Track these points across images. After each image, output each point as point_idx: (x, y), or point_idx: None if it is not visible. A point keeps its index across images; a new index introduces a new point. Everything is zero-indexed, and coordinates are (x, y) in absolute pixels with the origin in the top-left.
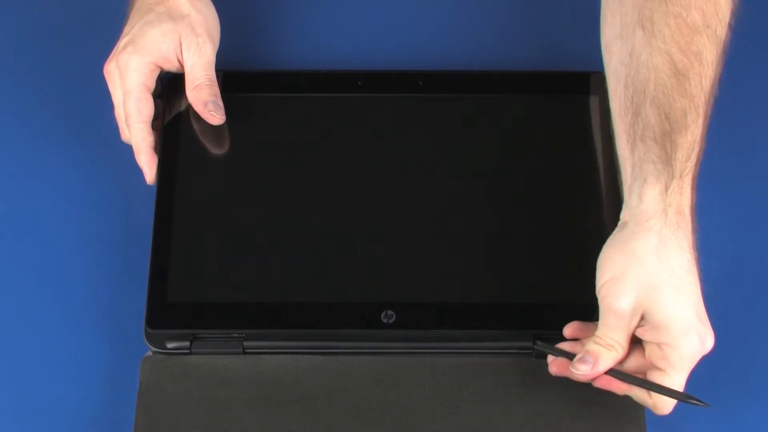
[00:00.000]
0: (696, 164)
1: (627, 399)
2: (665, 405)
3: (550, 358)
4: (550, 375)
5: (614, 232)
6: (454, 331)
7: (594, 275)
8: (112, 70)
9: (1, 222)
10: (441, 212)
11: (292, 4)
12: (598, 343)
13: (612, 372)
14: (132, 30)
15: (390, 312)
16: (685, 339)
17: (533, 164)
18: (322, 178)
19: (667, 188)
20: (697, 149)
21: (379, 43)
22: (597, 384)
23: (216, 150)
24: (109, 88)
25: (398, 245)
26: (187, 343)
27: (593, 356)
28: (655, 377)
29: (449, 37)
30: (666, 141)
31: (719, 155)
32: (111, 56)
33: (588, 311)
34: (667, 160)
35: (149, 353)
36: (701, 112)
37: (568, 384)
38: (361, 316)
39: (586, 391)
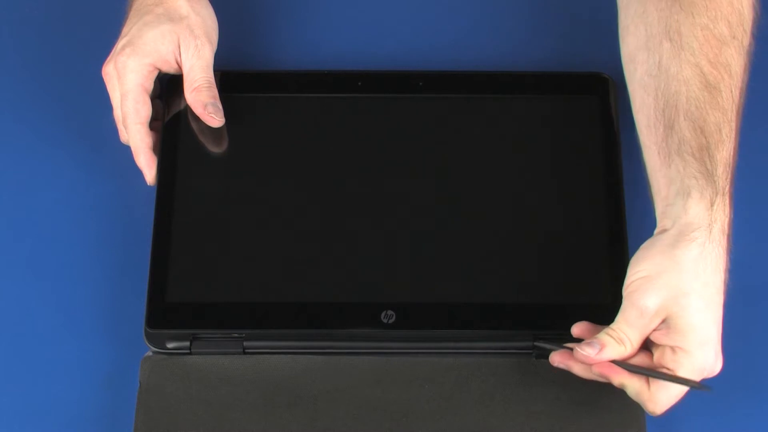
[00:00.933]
0: (732, 179)
1: (627, 399)
2: (660, 401)
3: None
4: (550, 375)
5: (654, 235)
6: (454, 331)
7: (595, 275)
8: (110, 72)
9: (1, 222)
10: (441, 212)
11: (291, 4)
12: (609, 335)
13: (615, 361)
14: (130, 31)
15: (390, 312)
16: (702, 349)
17: (533, 165)
18: (321, 179)
19: (712, 204)
20: (732, 164)
21: (379, 43)
22: (596, 368)
23: (216, 150)
24: (108, 89)
25: (398, 245)
26: (187, 343)
27: (600, 343)
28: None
29: (449, 37)
30: (704, 156)
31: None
32: (109, 57)
33: (588, 311)
34: (709, 175)
35: (149, 353)
36: (734, 126)
37: (568, 384)
38: (361, 316)
39: (586, 391)
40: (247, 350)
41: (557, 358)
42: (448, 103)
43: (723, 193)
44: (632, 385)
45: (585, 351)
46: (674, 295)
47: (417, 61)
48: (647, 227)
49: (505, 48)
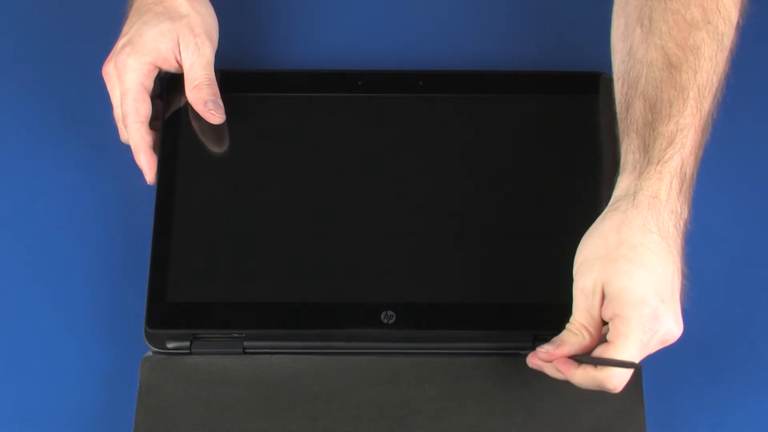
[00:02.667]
0: (685, 154)
1: (627, 399)
2: (614, 377)
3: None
4: (550, 375)
5: None
6: (454, 331)
7: None
8: (110, 71)
9: (1, 222)
10: (441, 212)
11: (291, 4)
12: (567, 329)
13: (572, 357)
14: (130, 30)
15: (390, 312)
16: (635, 309)
17: (533, 164)
18: (322, 178)
19: (641, 174)
20: (684, 137)
21: (379, 43)
22: (558, 364)
23: (216, 150)
24: (108, 88)
25: (398, 245)
26: (187, 343)
27: (560, 339)
28: (603, 350)
29: (449, 37)
30: (647, 131)
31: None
32: (109, 57)
33: None
34: (645, 149)
35: (149, 353)
36: (691, 103)
37: (568, 384)
38: (361, 316)
39: (586, 390)
40: (247, 350)
41: (530, 360)
42: (448, 102)
43: (658, 162)
44: (583, 375)
45: (545, 347)
46: (603, 266)
47: (417, 61)
48: None
49: (505, 48)
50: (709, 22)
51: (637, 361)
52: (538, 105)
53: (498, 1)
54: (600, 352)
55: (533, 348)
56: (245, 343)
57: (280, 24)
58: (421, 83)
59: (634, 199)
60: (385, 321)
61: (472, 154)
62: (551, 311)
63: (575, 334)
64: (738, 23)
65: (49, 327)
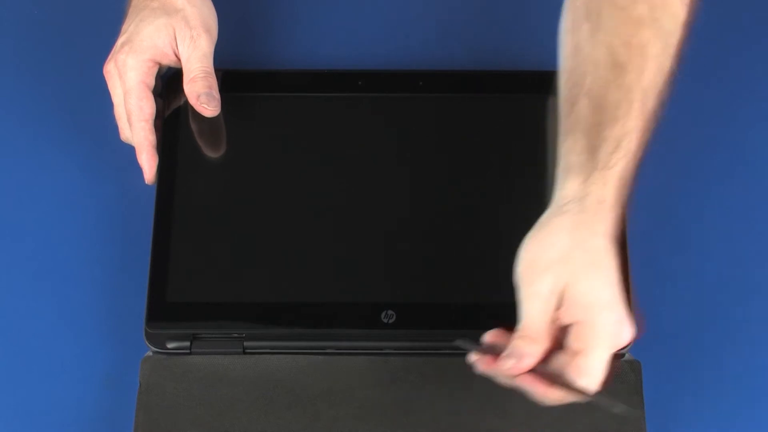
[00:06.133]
0: (629, 158)
1: (627, 399)
2: (589, 381)
3: (475, 356)
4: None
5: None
6: (454, 331)
7: None
8: (111, 70)
9: (1, 222)
10: (441, 212)
11: (291, 4)
12: (521, 337)
13: (537, 369)
14: (128, 29)
15: (390, 312)
16: (601, 315)
17: (534, 164)
18: (322, 178)
19: (587, 179)
20: (629, 142)
21: (379, 43)
22: (522, 380)
23: (216, 150)
24: (109, 87)
25: (398, 245)
26: (187, 343)
27: (518, 350)
28: (573, 362)
29: (449, 37)
30: (593, 133)
31: (719, 157)
32: (110, 56)
33: None
34: (592, 151)
35: (149, 353)
36: (636, 105)
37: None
38: (361, 316)
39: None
40: (247, 350)
41: (482, 367)
42: (449, 102)
43: (604, 167)
44: (552, 395)
45: (508, 364)
46: (561, 268)
47: (417, 61)
48: (643, 226)
49: (505, 47)
50: (655, 20)
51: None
52: (538, 104)
53: (498, 1)
54: (566, 362)
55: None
56: (245, 343)
57: (280, 24)
58: (421, 83)
59: (582, 203)
60: (385, 321)
61: (473, 154)
62: None
63: (533, 342)
64: (686, 20)
65: (49, 327)
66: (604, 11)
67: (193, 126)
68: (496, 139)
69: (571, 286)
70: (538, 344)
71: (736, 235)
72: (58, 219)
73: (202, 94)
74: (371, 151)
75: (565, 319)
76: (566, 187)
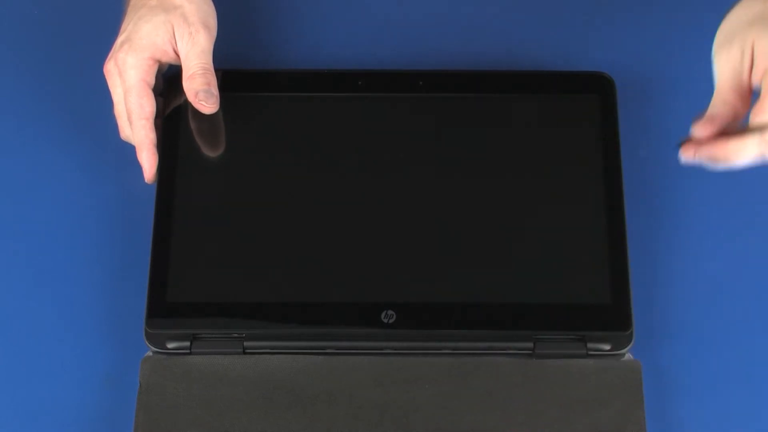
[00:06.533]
0: None
1: (627, 399)
2: None
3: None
4: (550, 375)
5: None
6: (453, 331)
7: (595, 275)
8: (111, 69)
9: (1, 222)
10: (441, 212)
11: (291, 4)
12: (714, 103)
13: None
14: (127, 27)
15: (390, 312)
16: None
17: (534, 164)
18: (321, 178)
19: None
20: None
21: (379, 43)
22: (713, 148)
23: (216, 150)
24: (109, 85)
25: (398, 245)
26: (187, 343)
27: (707, 114)
28: (759, 103)
29: (449, 37)
30: None
31: None
32: (110, 55)
33: (588, 311)
34: None
35: (149, 353)
36: None
37: (568, 384)
38: (361, 316)
39: (586, 391)
40: (247, 350)
41: (684, 152)
42: (448, 102)
43: None
44: (750, 144)
45: (697, 127)
46: (749, 28)
47: (417, 61)
48: (648, 227)
49: (505, 47)
50: None
51: None
52: (538, 105)
53: (498, 1)
54: (756, 111)
55: (533, 350)
56: (245, 343)
57: (280, 24)
58: (421, 83)
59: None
60: (385, 321)
61: (473, 154)
62: (551, 311)
63: (724, 103)
64: None
65: (49, 327)
66: None
67: (193, 126)
68: (496, 139)
69: (759, 38)
70: (729, 104)
71: (736, 235)
72: (58, 219)
73: (200, 91)
74: (371, 151)
75: (756, 76)
76: None
